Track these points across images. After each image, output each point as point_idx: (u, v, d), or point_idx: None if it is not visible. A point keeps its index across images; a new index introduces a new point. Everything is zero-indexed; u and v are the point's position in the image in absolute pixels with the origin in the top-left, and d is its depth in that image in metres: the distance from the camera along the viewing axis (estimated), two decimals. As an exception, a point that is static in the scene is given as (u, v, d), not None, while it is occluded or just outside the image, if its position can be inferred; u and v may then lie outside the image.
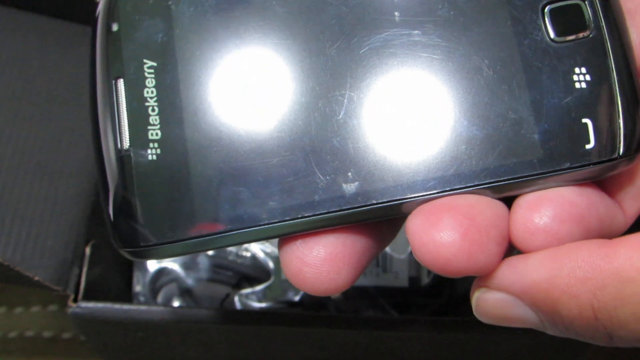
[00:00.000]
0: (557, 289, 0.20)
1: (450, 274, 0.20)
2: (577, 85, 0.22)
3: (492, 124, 0.22)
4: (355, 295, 0.43)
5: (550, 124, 0.22)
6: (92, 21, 0.24)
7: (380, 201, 0.22)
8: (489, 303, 0.21)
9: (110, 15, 0.24)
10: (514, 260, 0.21)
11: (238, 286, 0.44)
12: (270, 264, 0.44)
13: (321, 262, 0.22)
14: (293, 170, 0.22)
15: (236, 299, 0.43)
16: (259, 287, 0.43)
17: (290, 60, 0.23)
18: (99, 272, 0.38)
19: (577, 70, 0.22)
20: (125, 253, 0.23)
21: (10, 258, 0.34)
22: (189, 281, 0.43)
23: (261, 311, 0.41)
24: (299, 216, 0.22)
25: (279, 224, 0.22)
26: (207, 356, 0.41)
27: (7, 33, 0.41)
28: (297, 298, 0.43)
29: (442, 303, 0.44)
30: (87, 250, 0.38)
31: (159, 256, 0.23)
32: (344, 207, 0.22)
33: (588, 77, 0.22)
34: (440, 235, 0.20)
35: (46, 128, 0.39)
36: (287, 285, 0.43)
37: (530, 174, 0.21)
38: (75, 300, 0.36)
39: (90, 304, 0.35)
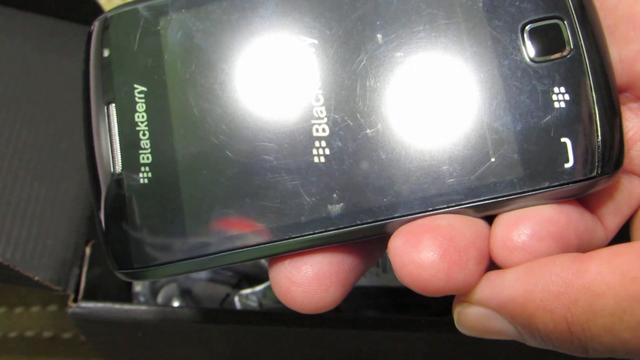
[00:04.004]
0: (533, 303, 0.20)
1: (431, 294, 0.21)
2: (556, 104, 0.22)
3: (473, 144, 0.22)
4: (355, 295, 0.43)
5: (529, 144, 0.22)
6: (85, 45, 0.24)
7: (364, 222, 0.22)
8: (470, 317, 0.22)
9: (102, 41, 0.24)
10: (492, 275, 0.21)
11: (238, 286, 0.44)
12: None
13: (309, 281, 0.22)
14: (280, 192, 0.22)
15: (236, 299, 0.43)
16: (259, 287, 0.43)
17: (275, 83, 0.23)
18: (99, 272, 0.38)
19: (556, 89, 0.22)
20: (120, 274, 0.23)
21: (10, 258, 0.34)
22: (189, 281, 0.43)
23: (261, 311, 0.41)
24: (287, 237, 0.22)
25: (267, 244, 0.22)
26: (207, 356, 0.41)
27: (7, 33, 0.41)
28: (297, 298, 0.43)
29: (442, 303, 0.44)
30: (87, 250, 0.38)
31: (153, 277, 0.23)
32: (330, 228, 0.22)
33: (567, 97, 0.22)
34: (420, 256, 0.20)
35: (46, 128, 0.39)
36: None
37: (511, 193, 0.22)
38: (75, 300, 0.36)
39: (90, 304, 0.35)
